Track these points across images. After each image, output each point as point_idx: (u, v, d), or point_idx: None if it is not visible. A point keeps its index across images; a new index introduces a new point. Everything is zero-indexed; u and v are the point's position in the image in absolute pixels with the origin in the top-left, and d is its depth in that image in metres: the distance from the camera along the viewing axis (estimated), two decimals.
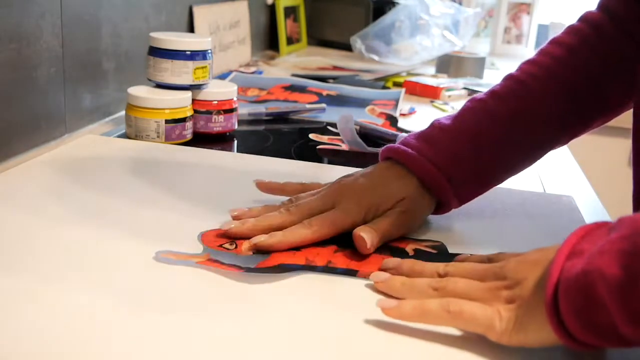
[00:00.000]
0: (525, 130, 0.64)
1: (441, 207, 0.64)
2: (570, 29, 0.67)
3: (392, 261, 0.53)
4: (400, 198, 0.60)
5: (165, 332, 0.43)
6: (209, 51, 0.87)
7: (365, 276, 0.53)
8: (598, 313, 0.38)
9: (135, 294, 0.47)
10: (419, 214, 0.62)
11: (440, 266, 0.50)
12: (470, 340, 0.45)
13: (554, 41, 0.67)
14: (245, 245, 0.56)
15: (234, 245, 0.56)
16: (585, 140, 0.72)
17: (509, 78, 0.66)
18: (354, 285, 0.51)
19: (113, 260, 0.52)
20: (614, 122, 0.69)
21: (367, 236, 0.56)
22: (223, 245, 0.56)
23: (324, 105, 1.07)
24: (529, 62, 0.66)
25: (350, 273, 0.53)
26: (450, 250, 0.59)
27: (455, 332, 0.45)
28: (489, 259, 0.51)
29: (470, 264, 0.50)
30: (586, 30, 0.65)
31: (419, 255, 0.57)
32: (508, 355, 0.43)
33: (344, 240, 0.58)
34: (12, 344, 0.40)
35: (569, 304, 0.39)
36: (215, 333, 0.43)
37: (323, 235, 0.57)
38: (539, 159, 0.67)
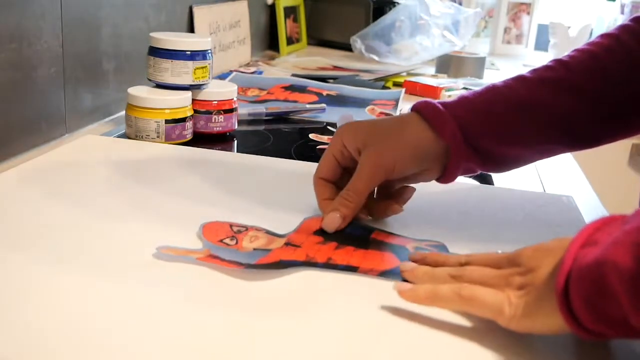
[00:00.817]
0: (550, 94, 0.63)
1: (452, 156, 0.62)
2: (624, 27, 0.66)
3: (419, 254, 0.55)
4: (390, 124, 0.63)
5: (165, 328, 0.43)
6: (209, 51, 0.87)
7: (366, 272, 0.53)
8: (609, 303, 0.38)
9: (134, 291, 0.47)
10: (409, 143, 0.61)
11: (462, 256, 0.52)
12: (478, 335, 0.45)
13: (604, 35, 0.66)
14: (245, 244, 0.56)
15: (235, 241, 0.56)
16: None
17: (550, 61, 0.67)
18: (355, 281, 0.51)
19: (113, 258, 0.52)
20: None
21: (326, 226, 0.59)
22: (223, 241, 0.56)
23: (324, 105, 1.07)
24: (574, 50, 0.67)
25: (351, 269, 0.53)
26: (451, 249, 0.59)
27: (460, 327, 0.46)
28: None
29: (491, 253, 0.50)
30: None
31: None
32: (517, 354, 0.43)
33: (345, 238, 0.58)
34: (10, 340, 0.40)
35: (580, 292, 0.39)
36: (216, 329, 0.43)
37: None
38: (562, 134, 0.64)
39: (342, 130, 0.63)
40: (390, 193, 0.64)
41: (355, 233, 0.60)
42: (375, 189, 0.64)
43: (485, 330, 0.46)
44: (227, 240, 0.56)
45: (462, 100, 0.64)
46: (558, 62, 0.65)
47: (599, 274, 0.38)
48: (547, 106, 0.63)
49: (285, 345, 0.43)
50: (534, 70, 0.65)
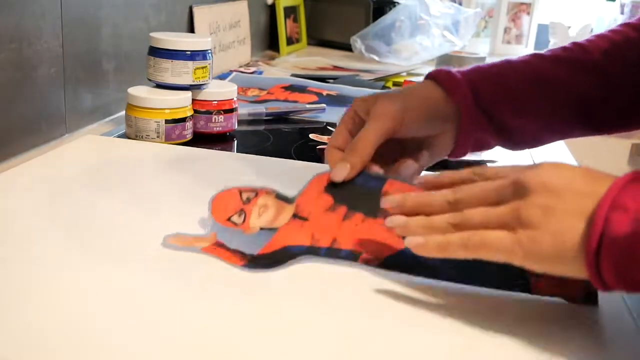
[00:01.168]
0: (567, 72, 0.63)
1: (463, 118, 0.62)
2: None
3: (394, 199, 0.51)
4: (405, 91, 0.62)
5: (165, 327, 0.43)
6: (209, 51, 0.87)
7: (368, 261, 0.52)
8: (636, 269, 0.40)
9: (135, 290, 0.47)
10: (420, 98, 0.61)
11: (448, 194, 0.49)
12: (477, 328, 0.45)
13: (623, 24, 0.67)
14: (253, 221, 0.55)
15: (242, 217, 0.56)
16: (586, 140, 0.72)
17: (568, 43, 0.67)
18: (357, 275, 0.51)
19: (113, 258, 0.52)
20: None
21: (334, 176, 0.57)
22: (231, 219, 0.56)
23: (324, 105, 1.07)
24: (593, 35, 0.67)
25: (353, 258, 0.53)
26: None
27: (459, 320, 0.46)
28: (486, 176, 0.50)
29: (479, 185, 0.49)
30: None
31: None
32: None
33: (356, 195, 0.57)
34: (10, 340, 0.40)
35: (612, 259, 0.40)
36: (216, 328, 0.43)
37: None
38: (578, 114, 0.64)
39: (354, 102, 0.63)
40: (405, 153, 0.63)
41: (368, 185, 0.57)
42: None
43: (487, 324, 0.46)
44: (235, 218, 0.56)
45: (476, 68, 0.65)
46: (575, 45, 0.66)
47: (632, 244, 0.40)
48: (563, 83, 0.63)
49: (286, 342, 0.43)
50: (551, 50, 0.66)
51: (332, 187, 0.58)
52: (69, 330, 0.42)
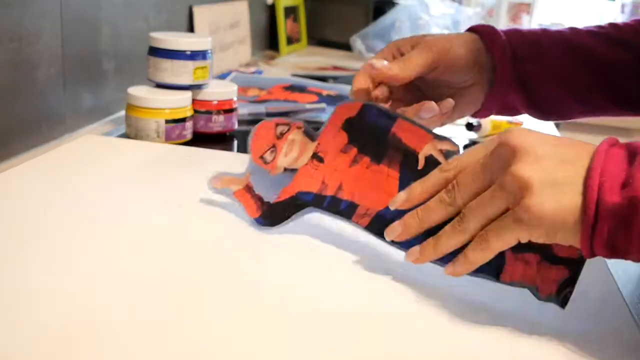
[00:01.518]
0: (601, 44, 0.65)
1: (498, 71, 0.64)
2: None
3: (396, 229, 0.51)
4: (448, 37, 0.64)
5: (167, 327, 0.43)
6: (209, 51, 0.87)
7: (360, 218, 0.55)
8: (626, 238, 0.41)
9: (136, 291, 0.47)
10: (463, 41, 0.63)
11: (442, 197, 0.49)
12: (475, 322, 0.45)
13: None
14: (280, 159, 0.58)
15: (272, 155, 0.59)
16: (585, 140, 0.72)
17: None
18: (356, 267, 0.52)
19: (114, 258, 0.52)
20: (614, 122, 0.68)
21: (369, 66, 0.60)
22: (263, 156, 0.59)
23: (324, 105, 1.07)
24: (629, 20, 0.69)
25: (352, 207, 0.56)
26: None
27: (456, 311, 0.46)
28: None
29: (464, 172, 0.48)
30: None
31: (430, 165, 0.53)
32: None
33: (367, 136, 0.57)
34: (10, 340, 0.40)
35: (606, 227, 0.41)
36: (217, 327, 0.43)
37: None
38: (609, 86, 0.66)
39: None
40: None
41: (378, 122, 0.57)
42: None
43: (482, 321, 0.46)
44: (267, 156, 0.59)
45: (514, 29, 0.67)
46: (610, 24, 0.68)
47: (625, 211, 0.40)
48: (597, 53, 0.65)
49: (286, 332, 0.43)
50: (585, 26, 0.68)
51: (348, 123, 0.58)
52: (70, 330, 0.42)
